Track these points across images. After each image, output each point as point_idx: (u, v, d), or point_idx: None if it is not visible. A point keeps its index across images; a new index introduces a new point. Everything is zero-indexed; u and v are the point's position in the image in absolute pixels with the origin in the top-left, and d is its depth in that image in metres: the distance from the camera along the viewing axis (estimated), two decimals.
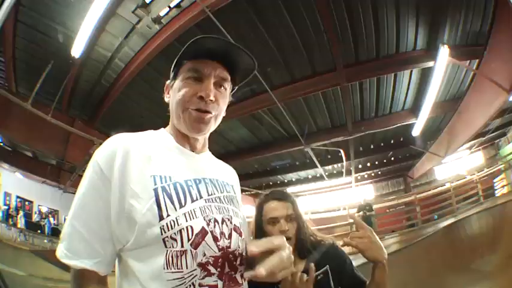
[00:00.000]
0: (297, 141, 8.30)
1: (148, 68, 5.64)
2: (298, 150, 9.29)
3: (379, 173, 13.77)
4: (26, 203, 10.19)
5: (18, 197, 10.23)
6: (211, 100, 0.83)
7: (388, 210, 10.26)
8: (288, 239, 1.16)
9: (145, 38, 5.26)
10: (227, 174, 1.03)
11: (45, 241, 9.01)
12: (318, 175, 12.81)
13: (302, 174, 13.46)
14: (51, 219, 10.50)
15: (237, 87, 0.99)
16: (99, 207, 0.74)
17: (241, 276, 0.83)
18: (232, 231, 0.84)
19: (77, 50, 4.90)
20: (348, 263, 1.30)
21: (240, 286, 0.82)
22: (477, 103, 6.05)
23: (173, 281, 0.71)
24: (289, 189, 14.64)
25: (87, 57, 5.63)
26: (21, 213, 9.57)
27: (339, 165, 11.07)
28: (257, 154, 9.93)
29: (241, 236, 0.86)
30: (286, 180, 14.38)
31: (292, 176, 13.60)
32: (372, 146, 10.80)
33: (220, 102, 0.87)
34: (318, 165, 10.21)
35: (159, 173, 0.78)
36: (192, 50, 0.83)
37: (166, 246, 0.72)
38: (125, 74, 5.91)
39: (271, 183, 14.65)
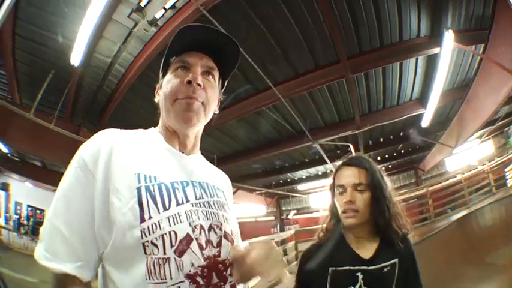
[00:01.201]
0: (304, 137, 8.16)
1: (148, 71, 5.62)
2: (307, 147, 9.10)
3: (390, 166, 13.57)
4: (37, 211, 10.35)
5: (29, 206, 10.41)
6: (199, 84, 0.81)
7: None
8: (355, 211, 1.10)
9: (143, 42, 5.23)
10: (218, 179, 0.97)
11: None
12: (328, 171, 12.61)
13: (312, 171, 13.31)
14: None
15: (226, 81, 0.98)
16: (82, 204, 0.68)
17: (231, 287, 0.77)
18: (222, 239, 0.79)
19: (76, 58, 4.94)
20: (416, 263, 1.17)
21: None
22: (486, 89, 5.83)
23: None
24: (299, 187, 14.45)
25: (87, 64, 5.65)
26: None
27: None
28: (265, 152, 9.81)
29: (232, 244, 0.81)
30: (296, 178, 14.32)
31: (302, 173, 13.49)
32: (381, 139, 10.57)
33: (208, 90, 0.85)
34: (328, 161, 10.07)
35: (143, 172, 0.73)
36: (176, 46, 0.85)
37: (146, 253, 0.66)
38: (126, 78, 5.91)
39: (281, 181, 14.53)
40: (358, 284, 1.07)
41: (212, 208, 0.81)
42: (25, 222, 9.98)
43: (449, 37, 4.82)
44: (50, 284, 0.68)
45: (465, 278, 4.38)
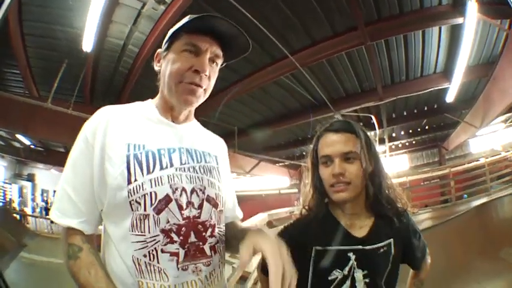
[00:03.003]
0: (326, 108, 7.92)
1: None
2: (329, 118, 8.89)
3: (414, 142, 13.26)
4: None
5: (55, 191, 10.88)
6: (206, 75, 0.87)
7: (422, 183, 9.78)
8: (346, 183, 0.92)
9: (154, 20, 5.22)
10: (211, 145, 1.01)
11: None
12: None
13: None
14: None
15: (225, 63, 0.99)
16: (85, 171, 0.80)
17: (211, 248, 0.84)
18: (204, 201, 0.85)
19: (87, 45, 5.01)
20: (418, 237, 1.05)
21: (208, 258, 0.83)
22: None
23: (137, 244, 0.76)
24: None
25: (100, 49, 5.77)
26: None
27: (372, 133, 10.58)
28: (286, 123, 9.67)
29: (215, 208, 0.88)
30: None
31: None
32: (405, 113, 10.22)
33: (211, 77, 0.91)
34: None
35: (133, 142, 0.83)
36: (192, 25, 0.85)
37: (132, 210, 0.77)
38: (141, 57, 6.00)
39: (304, 153, 14.33)
40: (349, 266, 0.93)
41: (197, 173, 0.87)
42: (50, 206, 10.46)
43: (472, 7, 4.49)
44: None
45: (478, 270, 4.14)
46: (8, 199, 10.59)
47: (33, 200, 11.63)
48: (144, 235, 0.76)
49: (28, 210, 10.94)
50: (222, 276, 0.90)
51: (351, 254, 0.94)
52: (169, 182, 0.81)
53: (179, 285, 0.78)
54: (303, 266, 0.96)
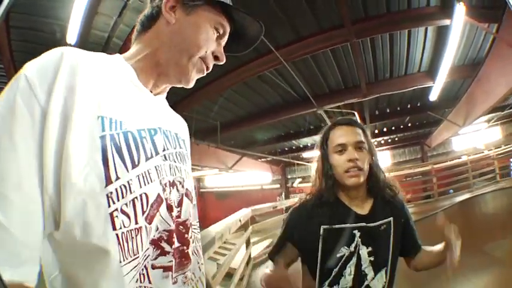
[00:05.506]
0: (309, 103, 7.97)
1: None
2: (312, 114, 8.93)
3: (396, 139, 13.50)
4: None
5: None
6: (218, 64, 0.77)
7: (404, 179, 10.04)
8: (359, 169, 1.06)
9: (139, 12, 4.97)
10: (179, 126, 0.82)
11: None
12: None
13: (317, 138, 13.06)
14: None
15: None
16: (21, 158, 0.44)
17: (193, 251, 0.69)
18: (184, 197, 0.68)
19: (72, 37, 4.86)
20: (411, 222, 1.22)
21: (191, 263, 0.67)
22: (497, 71, 5.59)
23: (130, 273, 0.51)
24: (305, 154, 14.44)
25: (85, 41, 5.52)
26: None
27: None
28: (269, 118, 9.64)
29: (192, 203, 0.72)
30: (301, 145, 14.08)
31: (307, 140, 13.13)
32: (388, 110, 10.36)
33: None
34: None
35: (109, 115, 0.54)
36: (230, 7, 0.73)
37: (114, 228, 0.50)
38: (125, 50, 5.81)
39: (286, 148, 14.42)
40: (355, 243, 1.04)
41: (175, 162, 0.68)
42: None
43: (460, 10, 4.56)
44: None
45: (463, 265, 4.28)
46: None
47: None
48: (138, 257, 0.53)
49: None
50: (203, 279, 0.74)
51: (356, 231, 1.05)
52: (158, 176, 0.60)
53: None
54: (313, 244, 1.07)
